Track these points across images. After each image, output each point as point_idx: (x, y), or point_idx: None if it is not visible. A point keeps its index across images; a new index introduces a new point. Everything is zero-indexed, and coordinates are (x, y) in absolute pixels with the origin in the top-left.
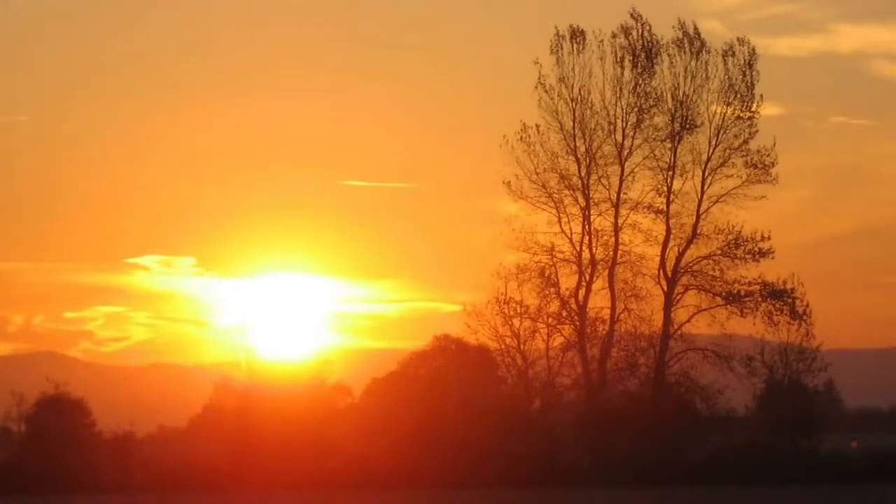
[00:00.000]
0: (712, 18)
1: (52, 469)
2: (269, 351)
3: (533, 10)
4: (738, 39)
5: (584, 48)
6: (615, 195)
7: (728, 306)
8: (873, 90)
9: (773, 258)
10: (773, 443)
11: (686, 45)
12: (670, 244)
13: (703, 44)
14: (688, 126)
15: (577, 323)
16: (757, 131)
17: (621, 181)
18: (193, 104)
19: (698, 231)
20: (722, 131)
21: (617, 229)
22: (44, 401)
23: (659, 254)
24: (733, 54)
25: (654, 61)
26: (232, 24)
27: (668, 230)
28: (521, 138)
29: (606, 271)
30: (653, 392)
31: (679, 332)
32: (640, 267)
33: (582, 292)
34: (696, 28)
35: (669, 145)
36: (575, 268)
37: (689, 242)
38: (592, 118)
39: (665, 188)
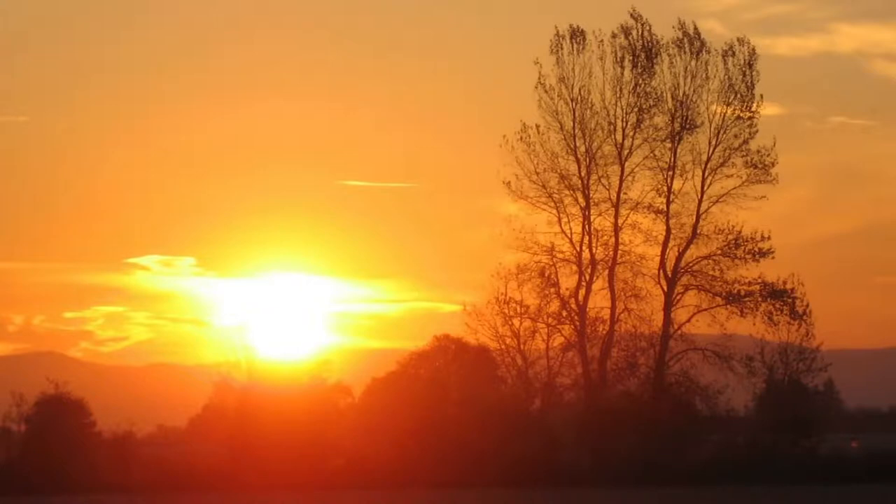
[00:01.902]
0: (712, 18)
1: (52, 469)
2: (269, 351)
3: (533, 10)
4: (738, 39)
5: (584, 48)
6: (615, 195)
7: (728, 306)
8: (873, 90)
9: (773, 258)
10: (773, 443)
11: (686, 45)
12: (670, 244)
13: (703, 44)
14: (688, 126)
15: (577, 323)
16: (757, 131)
17: (621, 181)
18: (193, 104)
19: (698, 231)
20: (722, 131)
21: (617, 229)
22: (44, 401)
23: (659, 254)
24: (733, 54)
25: (654, 61)
26: (232, 24)
27: (668, 230)
28: (521, 138)
29: (606, 271)
30: (653, 392)
31: (679, 332)
32: (640, 267)
33: (582, 292)
34: (696, 28)
35: (669, 145)
36: (575, 268)
37: (689, 242)
38: (592, 118)
39: (665, 188)
